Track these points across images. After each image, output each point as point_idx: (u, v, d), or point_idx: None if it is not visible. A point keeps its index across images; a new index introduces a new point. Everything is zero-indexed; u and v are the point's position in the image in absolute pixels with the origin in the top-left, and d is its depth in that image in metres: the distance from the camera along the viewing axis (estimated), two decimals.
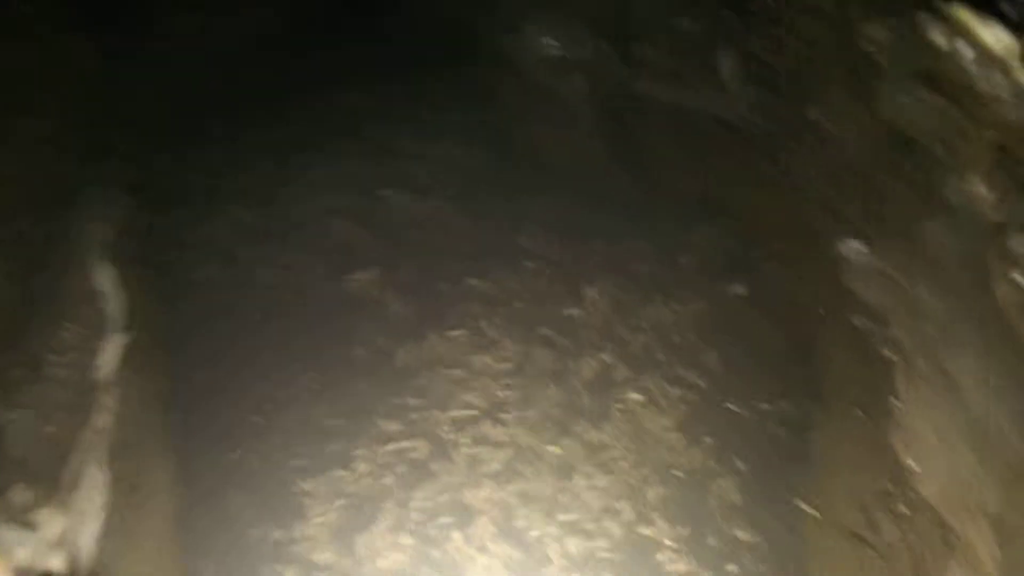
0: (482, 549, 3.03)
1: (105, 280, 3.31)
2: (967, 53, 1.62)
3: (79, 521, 3.08)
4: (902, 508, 2.35)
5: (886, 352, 2.38)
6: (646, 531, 2.97)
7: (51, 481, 3.13)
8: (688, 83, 4.19)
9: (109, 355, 3.28)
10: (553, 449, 3.23)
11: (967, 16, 1.59)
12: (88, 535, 3.07)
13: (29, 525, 2.94)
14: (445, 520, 3.12)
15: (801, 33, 3.02)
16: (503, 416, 3.37)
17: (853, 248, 2.83)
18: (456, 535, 3.07)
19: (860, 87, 2.56)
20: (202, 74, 4.83)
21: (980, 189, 1.64)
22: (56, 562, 2.86)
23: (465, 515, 3.13)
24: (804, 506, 2.87)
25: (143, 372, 3.48)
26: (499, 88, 4.93)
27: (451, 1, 5.00)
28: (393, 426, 3.41)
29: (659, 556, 2.90)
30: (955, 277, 1.83)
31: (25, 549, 2.48)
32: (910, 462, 2.14)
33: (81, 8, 3.72)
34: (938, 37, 1.71)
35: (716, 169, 4.09)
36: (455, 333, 3.66)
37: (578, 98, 4.68)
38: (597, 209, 4.17)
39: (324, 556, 3.11)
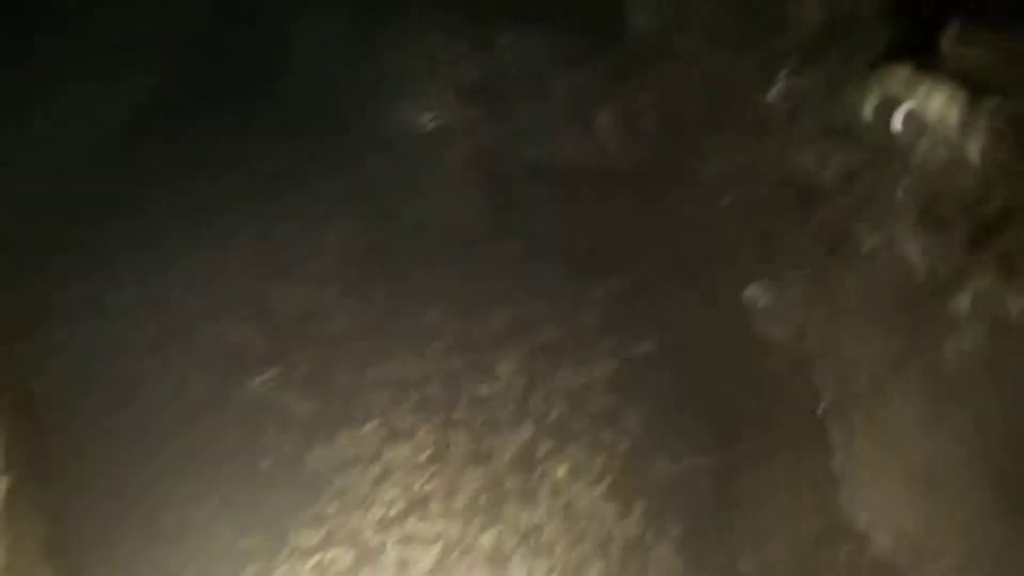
0: None
1: None
2: (886, 112, 1.60)
3: None
4: (849, 558, 2.30)
5: (814, 402, 2.35)
6: None
7: None
8: (564, 140, 4.19)
9: None
10: (485, 538, 3.05)
11: (896, 75, 1.58)
12: None
13: None
14: None
15: (682, 86, 3.04)
16: (428, 509, 3.17)
17: (758, 294, 2.82)
18: None
19: (749, 137, 2.56)
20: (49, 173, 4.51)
21: (906, 244, 1.62)
22: None
23: None
24: (744, 564, 2.79)
25: (24, 517, 3.14)
26: (376, 164, 4.80)
27: (320, 80, 4.86)
28: (313, 537, 3.16)
29: None
30: (883, 327, 1.80)
31: None
32: (856, 515, 2.08)
33: None
34: (852, 94, 1.69)
35: (604, 222, 4.06)
36: (366, 428, 3.45)
37: (455, 166, 4.60)
38: (492, 277, 4.06)
39: None
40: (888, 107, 1.62)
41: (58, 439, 3.52)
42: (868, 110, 1.66)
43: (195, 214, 4.63)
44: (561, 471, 3.17)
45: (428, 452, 3.35)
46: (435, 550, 3.06)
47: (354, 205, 4.64)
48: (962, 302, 1.52)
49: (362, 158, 4.79)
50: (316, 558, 3.10)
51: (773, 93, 2.22)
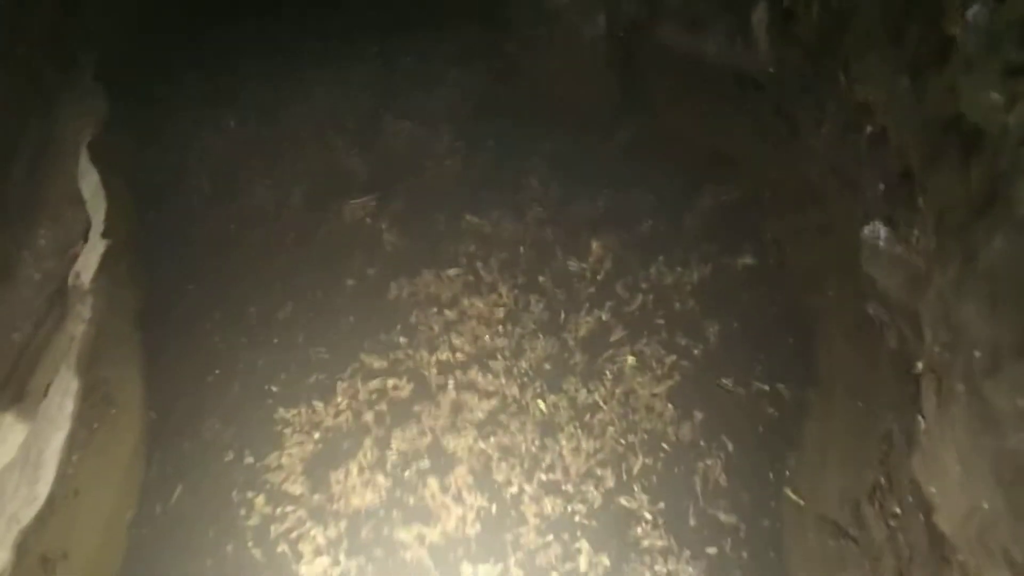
0: (457, 499, 2.87)
1: (87, 186, 3.05)
2: None
3: (46, 430, 2.88)
4: (895, 509, 2.20)
5: (909, 361, 2.20)
6: (626, 502, 2.81)
7: (17, 387, 2.92)
8: (712, 33, 3.90)
9: (86, 262, 3.03)
10: (540, 404, 3.04)
11: None
12: (54, 446, 2.87)
13: None
14: (423, 465, 2.95)
15: None
16: (492, 364, 3.16)
17: (881, 234, 2.61)
18: (432, 481, 2.90)
19: (919, 67, 2.30)
20: None
21: None
22: (15, 475, 2.67)
23: (444, 462, 2.95)
24: (791, 494, 2.72)
25: (121, 283, 3.24)
26: (512, 12, 4.59)
27: None
28: (379, 362, 3.20)
29: (637, 529, 2.75)
30: (1017, 304, 1.63)
31: None
32: (926, 482, 1.97)
33: None
34: None
35: (732, 127, 3.82)
36: (450, 272, 3.43)
37: (596, 35, 4.37)
38: (604, 151, 3.90)
39: (296, 488, 2.93)
40: None
41: (157, 218, 3.59)
42: None
43: (324, 30, 4.55)
44: (630, 360, 3.11)
45: (504, 310, 3.32)
46: (491, 403, 3.06)
47: (482, 54, 4.48)
48: None
49: (499, 12, 4.59)
50: (377, 382, 3.15)
51: (964, 21, 1.96)
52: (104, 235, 3.13)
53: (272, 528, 2.85)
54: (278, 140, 3.93)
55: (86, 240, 3.04)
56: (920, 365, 2.13)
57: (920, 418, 2.02)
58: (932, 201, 2.19)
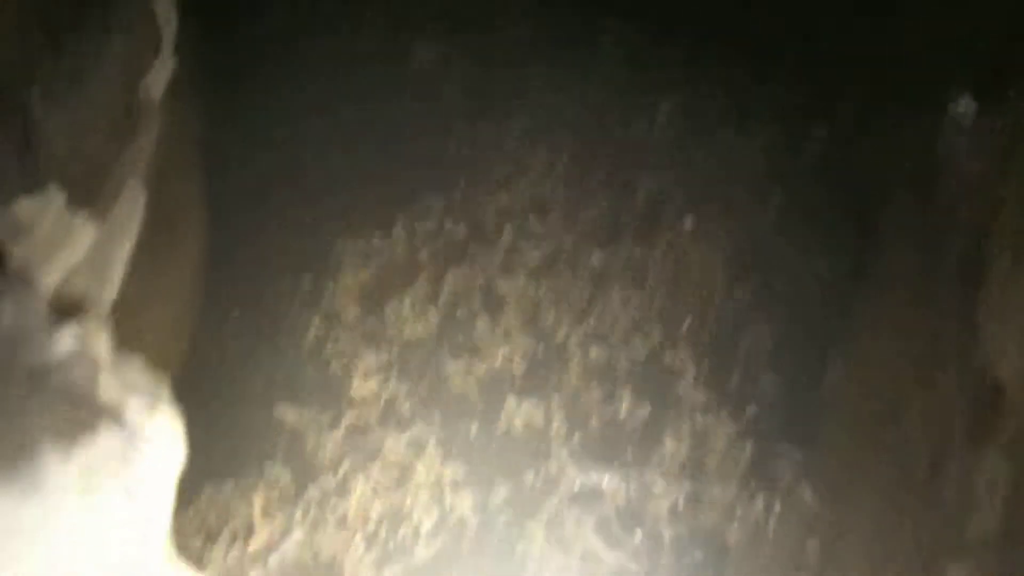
0: (506, 338, 2.91)
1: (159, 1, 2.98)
2: None
3: (114, 236, 2.92)
4: (974, 399, 2.18)
5: (980, 243, 2.12)
6: (671, 357, 2.83)
7: (89, 188, 2.95)
8: None
9: (156, 78, 2.99)
10: (595, 256, 3.03)
11: None
12: (121, 254, 2.92)
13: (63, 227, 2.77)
14: (474, 304, 2.98)
15: None
16: (551, 212, 3.14)
17: (969, 112, 2.48)
18: (482, 320, 2.94)
19: None
20: None
21: None
22: (82, 277, 2.73)
23: (495, 303, 2.98)
24: (838, 364, 2.71)
25: (188, 103, 3.21)
26: None
27: None
28: (438, 201, 3.19)
29: (679, 384, 2.79)
30: None
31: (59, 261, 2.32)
32: (995, 363, 1.93)
33: None
34: None
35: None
36: (513, 120, 3.36)
37: None
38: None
39: (350, 314, 2.99)
40: None
41: (227, 47, 3.47)
42: None
43: None
44: (688, 224, 3.06)
45: (564, 162, 3.26)
46: (545, 250, 3.06)
47: None
48: None
49: None
50: (434, 222, 3.15)
51: None
52: (176, 52, 3.08)
53: (325, 348, 2.92)
54: None
55: (157, 53, 3.00)
56: (992, 246, 2.06)
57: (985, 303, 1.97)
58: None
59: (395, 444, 2.74)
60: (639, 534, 2.58)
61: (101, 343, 1.97)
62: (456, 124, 3.36)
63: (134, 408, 1.82)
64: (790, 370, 2.77)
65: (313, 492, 2.67)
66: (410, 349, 2.90)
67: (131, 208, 3.01)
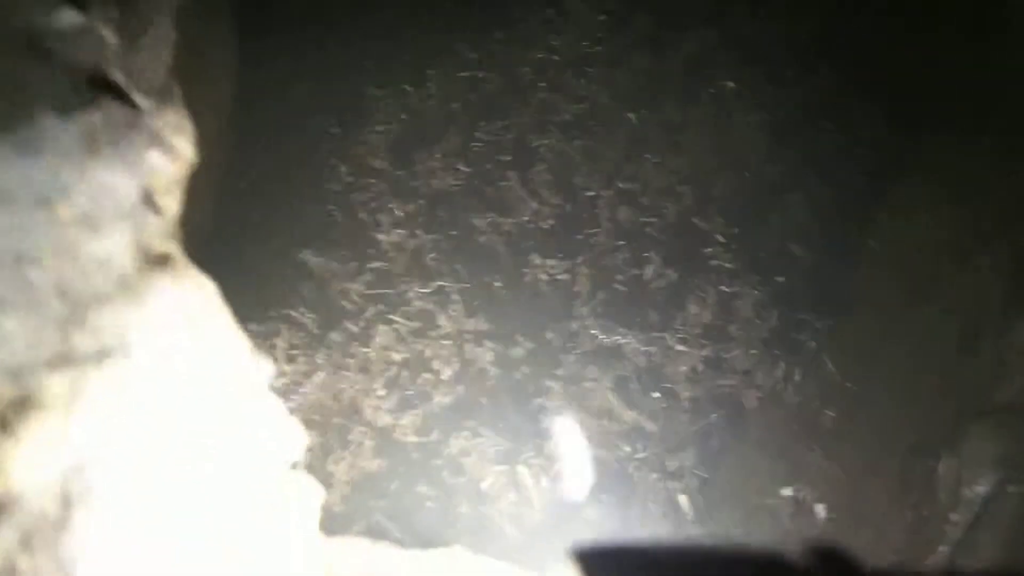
0: (534, 194, 2.85)
1: None
2: None
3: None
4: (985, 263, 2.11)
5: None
6: (701, 222, 2.75)
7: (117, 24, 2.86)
8: None
9: None
10: (631, 115, 2.91)
11: None
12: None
13: None
14: (504, 158, 2.90)
15: None
16: (587, 69, 3.00)
17: None
18: (512, 175, 2.87)
19: None
20: None
21: None
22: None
23: (526, 158, 2.90)
24: (871, 242, 2.63)
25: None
26: None
27: None
28: (471, 54, 3.05)
29: (707, 249, 2.71)
30: None
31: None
32: None
33: None
34: None
35: None
36: None
37: None
38: None
39: (379, 163, 2.93)
40: None
41: None
42: None
43: None
44: (730, 86, 2.92)
45: (606, 15, 3.09)
46: (580, 108, 2.94)
47: None
48: None
49: None
50: (468, 73, 3.02)
51: None
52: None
53: (353, 196, 2.88)
54: None
55: None
56: None
57: None
58: None
59: (419, 295, 2.73)
60: (657, 394, 2.58)
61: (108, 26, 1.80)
62: None
63: (142, 93, 1.70)
64: (823, 242, 2.69)
65: (336, 337, 2.69)
66: (438, 201, 2.85)
67: (158, 48, 2.92)
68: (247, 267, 2.81)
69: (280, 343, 2.69)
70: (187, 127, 1.86)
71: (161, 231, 1.66)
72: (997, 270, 2.17)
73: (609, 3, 3.11)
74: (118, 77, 1.65)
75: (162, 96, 1.81)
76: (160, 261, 1.63)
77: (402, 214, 2.83)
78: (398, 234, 2.80)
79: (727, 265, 2.69)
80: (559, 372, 2.62)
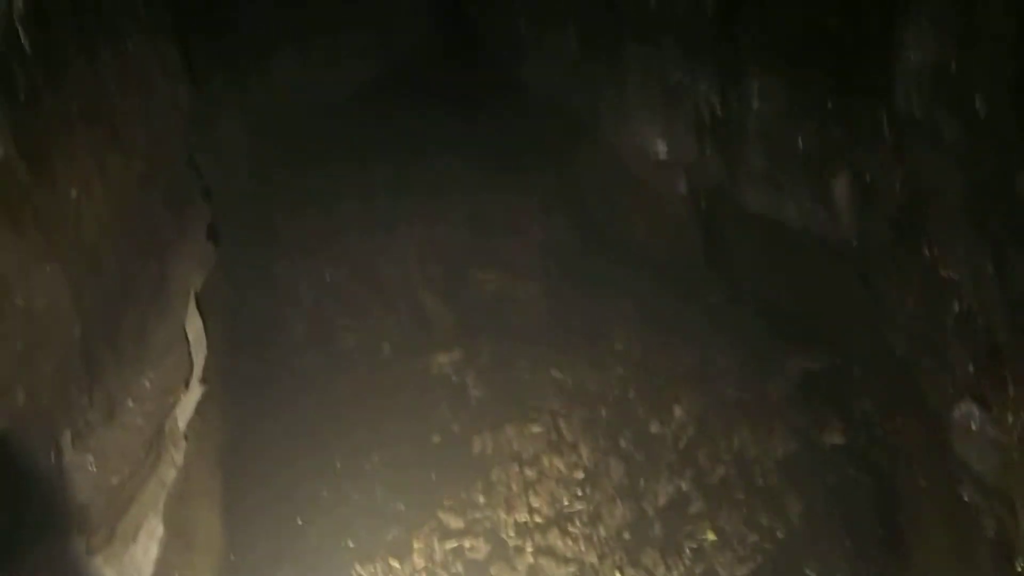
0: None
1: (191, 331, 3.06)
2: None
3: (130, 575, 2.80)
4: None
5: (1016, 553, 1.97)
6: None
7: (108, 531, 2.86)
8: (794, 200, 3.82)
9: (184, 407, 3.02)
10: None
11: None
12: None
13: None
14: None
15: (923, 166, 2.63)
16: (571, 529, 3.00)
17: (970, 414, 2.41)
18: None
19: (997, 239, 2.16)
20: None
21: None
22: None
23: None
24: None
25: (212, 428, 3.22)
26: (597, 175, 4.61)
27: (564, 85, 4.72)
28: (457, 522, 3.06)
29: None
30: None
31: None
32: None
33: None
34: None
35: (814, 295, 3.68)
36: (533, 429, 3.32)
37: (677, 197, 4.33)
38: (686, 310, 3.77)
39: None
40: None
41: (252, 367, 3.59)
42: None
43: (412, 189, 4.64)
44: (711, 537, 2.91)
45: (584, 471, 3.17)
46: (569, 571, 2.88)
47: (568, 209, 4.49)
48: None
49: (585, 166, 4.62)
50: (454, 543, 2.99)
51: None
52: (202, 380, 3.13)
53: None
54: (369, 291, 3.96)
55: (187, 386, 3.04)
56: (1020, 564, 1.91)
57: None
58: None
59: None
60: None
61: None
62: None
63: None
64: None
65: None
66: None
67: (147, 544, 2.90)
68: None
69: None
70: None
71: None
72: None
73: (583, 457, 3.20)
74: None
75: None
76: None
77: None
78: None
79: None
80: None
